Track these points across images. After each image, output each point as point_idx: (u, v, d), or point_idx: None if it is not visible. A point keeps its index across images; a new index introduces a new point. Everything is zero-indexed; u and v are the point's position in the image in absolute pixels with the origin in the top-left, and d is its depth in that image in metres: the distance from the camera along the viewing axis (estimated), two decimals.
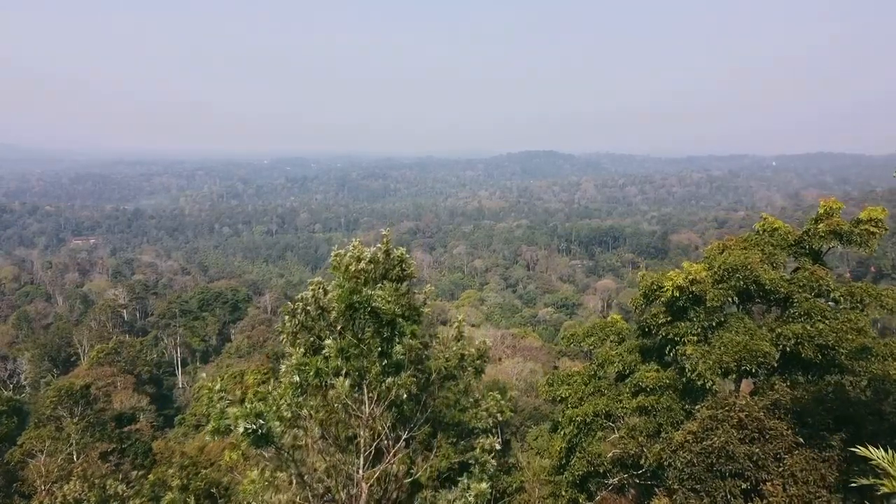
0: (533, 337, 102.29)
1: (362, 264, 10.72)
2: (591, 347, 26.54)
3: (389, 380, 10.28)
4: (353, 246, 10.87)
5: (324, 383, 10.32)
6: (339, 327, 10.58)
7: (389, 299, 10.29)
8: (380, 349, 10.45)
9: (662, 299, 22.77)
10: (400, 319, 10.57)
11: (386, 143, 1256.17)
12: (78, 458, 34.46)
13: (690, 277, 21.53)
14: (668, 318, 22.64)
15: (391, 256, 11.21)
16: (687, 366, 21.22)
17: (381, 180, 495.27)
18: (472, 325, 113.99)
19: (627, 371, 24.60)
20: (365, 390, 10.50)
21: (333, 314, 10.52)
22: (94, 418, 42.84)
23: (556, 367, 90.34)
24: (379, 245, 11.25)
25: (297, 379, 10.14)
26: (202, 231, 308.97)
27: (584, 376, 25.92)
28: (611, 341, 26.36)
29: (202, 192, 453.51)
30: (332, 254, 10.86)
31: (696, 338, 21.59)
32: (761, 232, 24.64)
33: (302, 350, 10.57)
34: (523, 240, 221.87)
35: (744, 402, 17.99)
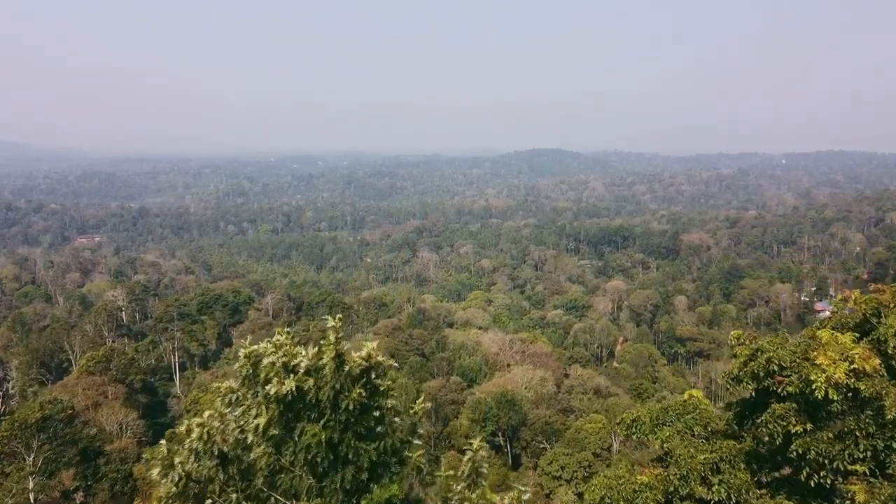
0: (542, 342, 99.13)
1: (289, 383, 5.54)
2: (666, 444, 18.27)
3: None
4: (276, 343, 5.83)
5: None
6: None
7: None
8: None
9: (790, 389, 15.16)
10: None
11: (392, 140, 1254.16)
12: (35, 500, 31.15)
13: (853, 367, 14.20)
14: (806, 425, 15.08)
15: (345, 367, 5.83)
16: None
17: (387, 178, 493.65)
18: (480, 328, 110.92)
19: (734, 499, 15.95)
20: None
21: None
22: (55, 453, 38.00)
23: (566, 376, 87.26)
24: (322, 343, 6.03)
25: None
26: (207, 229, 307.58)
27: (657, 493, 17.00)
28: (692, 435, 18.33)
29: (208, 190, 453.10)
30: (242, 353, 6.03)
31: (864, 468, 14.15)
32: None
33: None
34: (531, 239, 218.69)
35: None
